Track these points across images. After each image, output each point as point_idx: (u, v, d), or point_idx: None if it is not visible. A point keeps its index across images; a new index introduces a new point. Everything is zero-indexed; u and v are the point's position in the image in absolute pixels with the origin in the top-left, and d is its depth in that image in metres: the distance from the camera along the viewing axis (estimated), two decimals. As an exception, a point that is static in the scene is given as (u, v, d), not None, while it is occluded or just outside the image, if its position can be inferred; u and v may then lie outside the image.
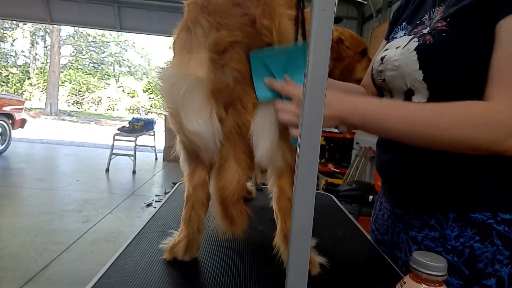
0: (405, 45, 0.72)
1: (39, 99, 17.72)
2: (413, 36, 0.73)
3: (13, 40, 17.74)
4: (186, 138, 0.64)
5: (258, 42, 0.60)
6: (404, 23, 0.82)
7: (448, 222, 0.70)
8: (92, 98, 19.30)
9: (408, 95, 0.73)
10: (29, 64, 18.41)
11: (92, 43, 19.26)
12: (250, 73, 0.61)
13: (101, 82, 19.87)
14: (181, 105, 0.61)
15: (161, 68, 0.65)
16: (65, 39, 18.06)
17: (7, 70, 17.79)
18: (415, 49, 0.68)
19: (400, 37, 0.80)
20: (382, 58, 0.79)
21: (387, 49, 0.80)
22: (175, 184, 1.49)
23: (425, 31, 0.69)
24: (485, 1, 0.61)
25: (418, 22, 0.77)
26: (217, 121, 0.62)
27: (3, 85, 17.23)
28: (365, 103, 0.67)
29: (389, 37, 0.87)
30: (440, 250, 0.70)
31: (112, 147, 5.58)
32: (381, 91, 0.85)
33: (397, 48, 0.75)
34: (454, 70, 0.64)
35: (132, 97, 19.70)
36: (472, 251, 0.67)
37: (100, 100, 19.45)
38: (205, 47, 0.60)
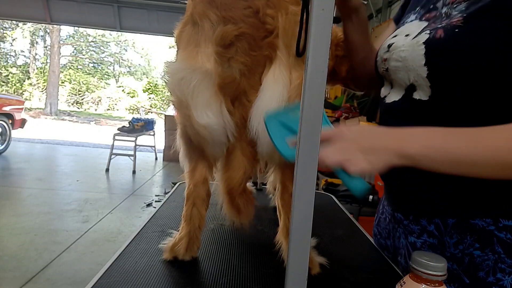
0: (416, 36, 0.67)
1: (39, 99, 17.72)
2: (425, 25, 0.69)
3: (13, 40, 17.74)
4: (195, 131, 0.64)
5: (262, 32, 0.61)
6: (418, 8, 0.76)
7: (447, 229, 0.67)
8: (92, 98, 19.30)
9: (409, 90, 0.69)
10: (29, 64, 18.41)
11: (92, 43, 19.26)
12: (265, 127, 0.58)
13: (101, 82, 19.87)
14: (191, 98, 0.62)
15: (168, 62, 0.65)
16: (65, 39, 18.07)
17: (7, 70, 17.78)
18: (424, 43, 0.64)
19: (411, 21, 0.74)
20: (389, 46, 0.74)
21: (395, 36, 0.74)
22: (175, 184, 1.49)
23: (439, 24, 0.64)
24: (508, 1, 0.56)
25: (431, 6, 0.72)
26: (227, 114, 0.63)
27: (3, 85, 17.22)
28: (426, 131, 0.57)
29: (399, 21, 0.82)
30: None
31: (112, 147, 5.58)
32: (382, 80, 0.80)
33: (406, 36, 0.70)
34: (460, 71, 0.60)
35: (132, 97, 19.70)
36: (471, 258, 0.64)
37: (100, 100, 19.45)
38: (212, 41, 0.61)
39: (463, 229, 0.66)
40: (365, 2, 5.62)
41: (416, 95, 0.68)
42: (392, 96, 0.75)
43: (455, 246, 0.66)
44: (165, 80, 0.65)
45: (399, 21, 0.84)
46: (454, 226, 0.67)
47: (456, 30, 0.60)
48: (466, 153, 0.54)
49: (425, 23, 0.70)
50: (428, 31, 0.65)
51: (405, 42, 0.69)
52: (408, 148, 0.55)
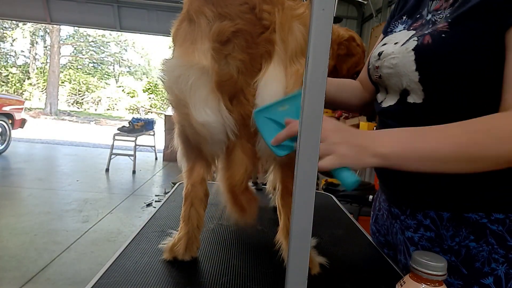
0: (404, 43, 0.71)
1: (39, 99, 17.72)
2: (413, 33, 0.72)
3: (13, 40, 17.75)
4: (194, 130, 0.64)
5: (258, 28, 0.61)
6: (404, 17, 0.80)
7: (442, 222, 0.70)
8: (92, 98, 19.31)
9: (403, 94, 0.72)
10: (29, 64, 18.41)
11: (92, 43, 19.26)
12: (257, 128, 0.60)
13: (101, 82, 19.87)
14: (189, 96, 0.61)
15: (165, 60, 0.65)
16: (65, 39, 18.07)
17: (7, 70, 17.78)
18: (413, 49, 0.67)
19: (400, 31, 0.77)
20: (379, 54, 0.77)
21: (385, 44, 0.78)
22: (175, 184, 1.49)
23: (426, 31, 0.68)
24: (493, 4, 0.58)
25: (418, 16, 0.75)
26: (226, 112, 0.62)
27: (3, 85, 17.22)
28: (398, 131, 0.61)
29: (387, 31, 0.85)
30: (437, 251, 0.70)
31: (112, 147, 5.58)
32: (377, 87, 0.84)
33: (395, 44, 0.74)
34: (450, 74, 0.63)
35: (132, 97, 19.70)
36: (468, 250, 0.67)
37: (100, 100, 19.46)
38: (209, 38, 0.61)
39: (458, 222, 0.68)
40: (365, 2, 5.64)
41: (410, 99, 0.70)
42: (388, 101, 0.78)
43: (452, 238, 0.69)
44: (162, 78, 0.64)
45: (387, 31, 0.87)
46: (449, 219, 0.70)
47: (443, 35, 0.63)
48: (433, 149, 0.56)
49: (413, 32, 0.73)
50: (415, 38, 0.68)
51: (395, 49, 0.72)
52: (380, 147, 0.56)
